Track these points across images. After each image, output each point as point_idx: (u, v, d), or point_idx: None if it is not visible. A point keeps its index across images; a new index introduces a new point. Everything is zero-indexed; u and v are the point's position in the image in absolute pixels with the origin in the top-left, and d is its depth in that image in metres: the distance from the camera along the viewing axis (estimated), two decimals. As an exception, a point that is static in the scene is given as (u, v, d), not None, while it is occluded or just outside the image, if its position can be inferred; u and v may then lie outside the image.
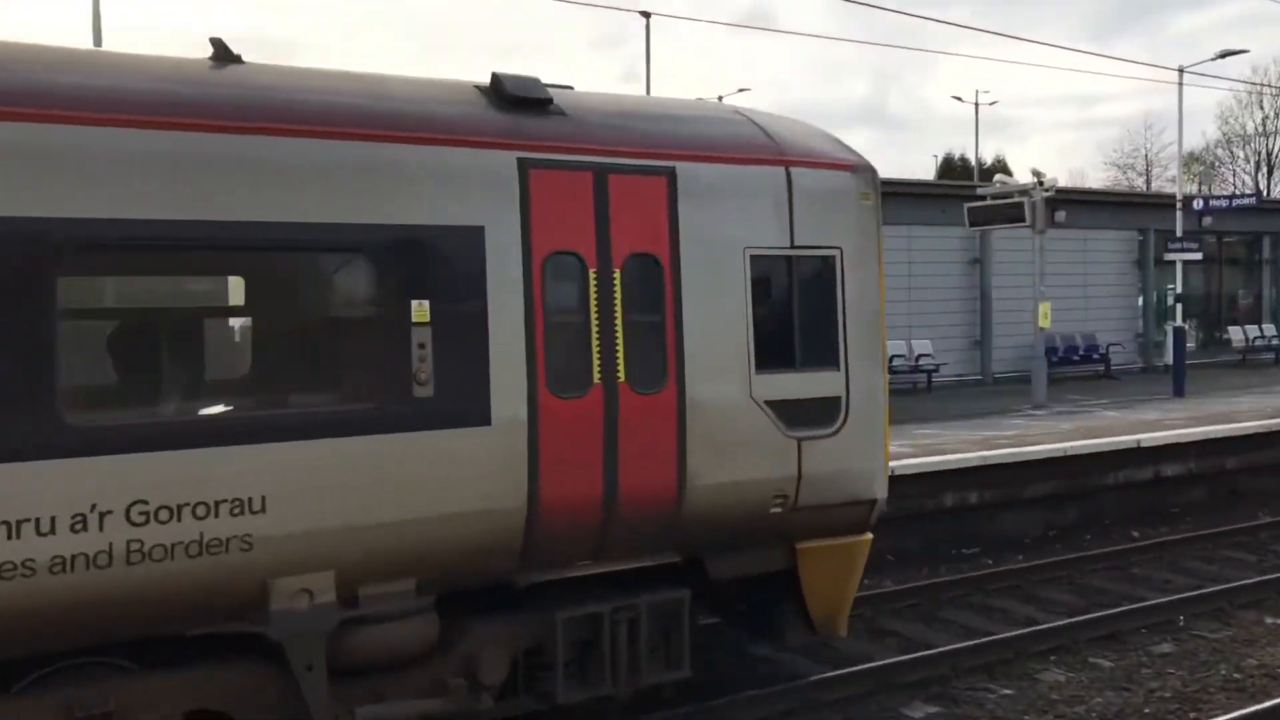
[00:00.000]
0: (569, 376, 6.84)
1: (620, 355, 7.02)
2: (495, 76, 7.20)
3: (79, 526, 5.46)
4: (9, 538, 5.27)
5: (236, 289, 6.61)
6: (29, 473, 5.33)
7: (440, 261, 6.48)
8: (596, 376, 6.93)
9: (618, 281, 7.04)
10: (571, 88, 8.01)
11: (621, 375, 7.01)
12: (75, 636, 5.70)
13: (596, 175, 7.01)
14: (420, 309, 6.39)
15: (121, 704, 5.87)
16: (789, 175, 7.76)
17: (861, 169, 8.16)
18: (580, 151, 7.00)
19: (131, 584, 5.61)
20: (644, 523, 7.15)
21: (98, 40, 24.48)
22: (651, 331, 7.16)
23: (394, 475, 6.27)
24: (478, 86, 7.24)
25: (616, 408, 6.97)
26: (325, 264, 6.48)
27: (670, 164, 7.30)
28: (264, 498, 5.90)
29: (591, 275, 6.95)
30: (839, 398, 7.89)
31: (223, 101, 6.00)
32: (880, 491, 8.16)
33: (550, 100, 7.18)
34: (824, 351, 7.86)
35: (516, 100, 7.07)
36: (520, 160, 6.75)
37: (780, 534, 7.82)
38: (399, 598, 6.44)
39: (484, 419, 6.53)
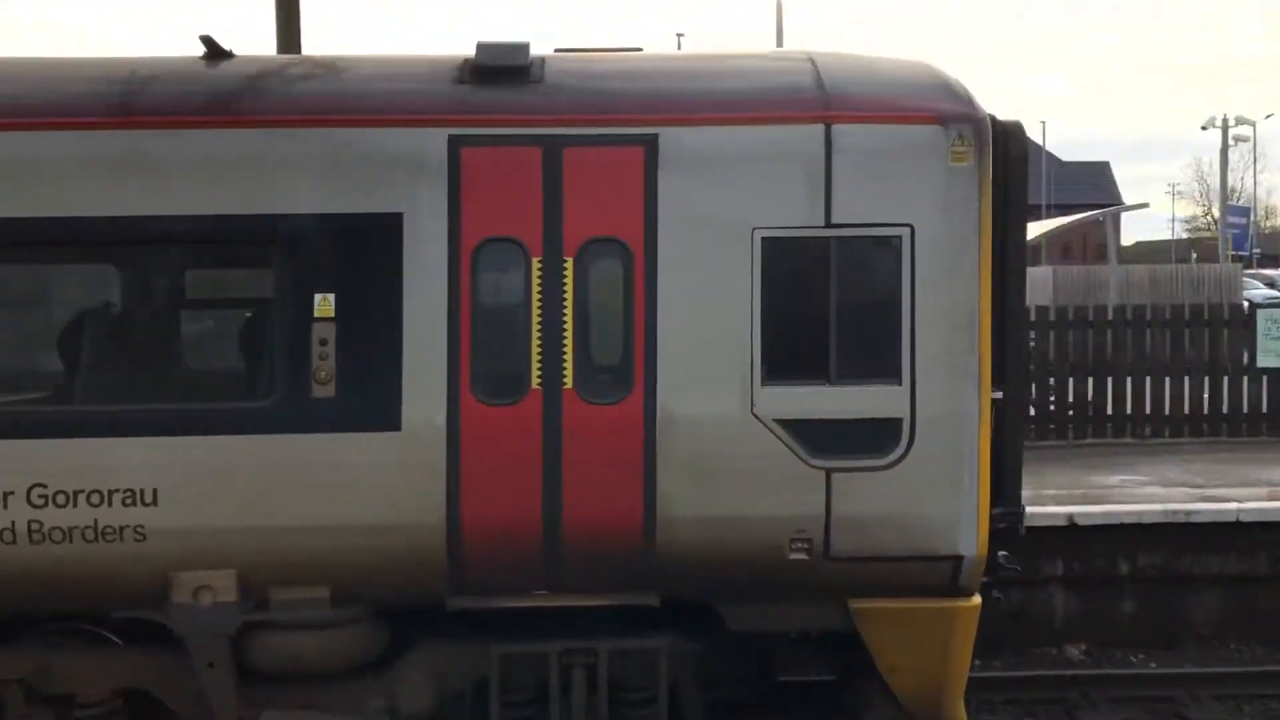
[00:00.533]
0: (500, 380, 6.01)
1: (568, 358, 6.01)
2: (478, 46, 6.48)
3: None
4: None
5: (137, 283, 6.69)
6: None
7: (348, 252, 6.01)
8: (535, 382, 6.00)
9: (569, 272, 6.03)
10: (640, 49, 7.03)
11: (568, 381, 6.00)
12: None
13: (547, 149, 6.04)
14: (324, 303, 5.99)
15: (60, 675, 6.27)
16: (829, 133, 6.08)
17: (955, 119, 6.14)
18: (529, 124, 6.08)
19: (35, 562, 5.95)
20: (602, 555, 6.08)
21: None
22: (612, 331, 6.05)
23: (291, 478, 5.97)
24: (466, 60, 6.58)
25: (560, 418, 5.99)
26: (223, 256, 6.33)
27: (651, 130, 6.06)
28: (155, 490, 5.93)
29: (535, 265, 6.02)
30: (899, 420, 6.07)
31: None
32: (967, 547, 6.16)
33: (520, 68, 6.30)
34: (876, 360, 6.09)
35: (482, 70, 6.31)
36: (451, 138, 6.02)
37: (817, 587, 6.23)
38: (312, 605, 6.12)
39: (393, 424, 5.96)
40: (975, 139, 6.14)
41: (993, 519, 6.67)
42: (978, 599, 6.42)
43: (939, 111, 6.16)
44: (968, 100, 6.26)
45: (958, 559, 6.16)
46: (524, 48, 6.44)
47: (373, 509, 5.97)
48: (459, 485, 5.96)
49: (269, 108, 6.08)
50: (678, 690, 6.55)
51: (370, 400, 5.96)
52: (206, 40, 6.64)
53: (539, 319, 6.01)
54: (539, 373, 5.99)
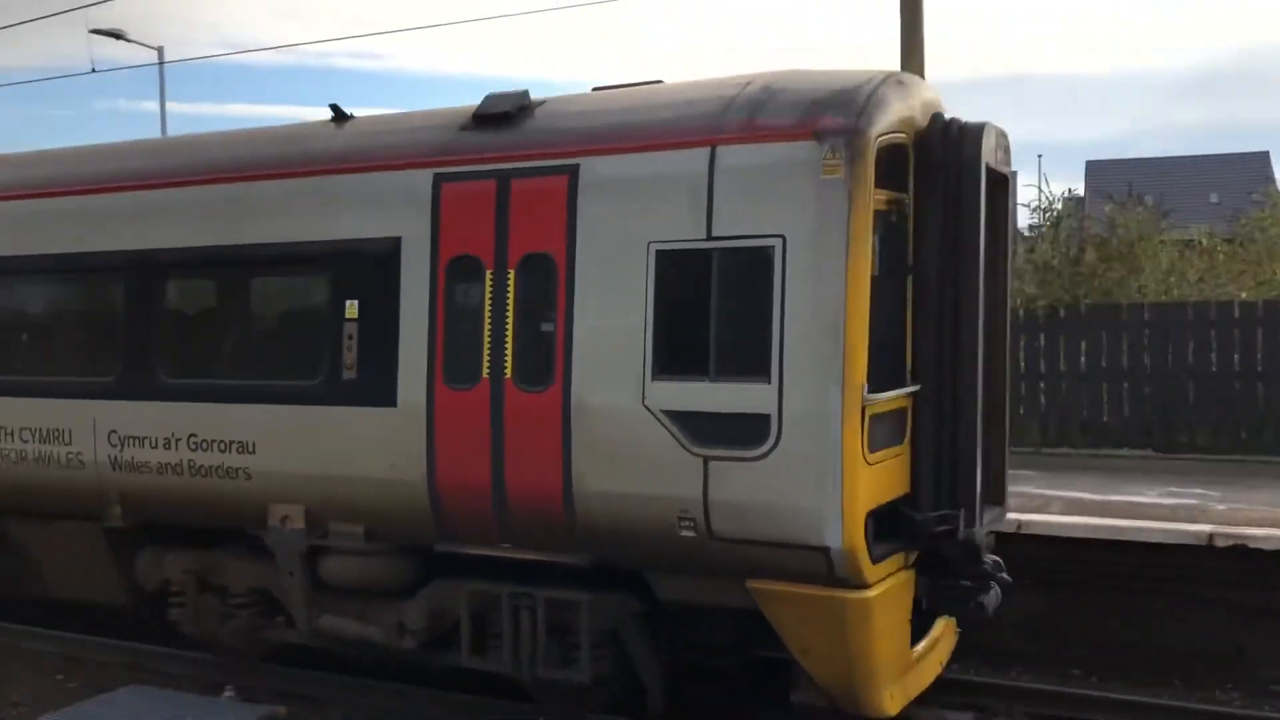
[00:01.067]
0: (462, 370, 7.46)
1: (509, 353, 7.31)
2: (484, 97, 7.95)
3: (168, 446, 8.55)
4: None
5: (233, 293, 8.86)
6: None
7: (366, 267, 7.81)
8: (485, 372, 7.38)
9: (511, 282, 7.32)
10: (659, 81, 8.09)
11: (508, 372, 7.30)
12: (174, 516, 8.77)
13: (500, 181, 7.38)
14: (351, 307, 7.86)
15: (219, 572, 8.79)
16: (713, 155, 6.76)
17: (830, 133, 6.49)
18: (487, 160, 7.46)
19: (193, 489, 8.50)
20: (535, 517, 7.30)
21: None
22: (541, 330, 7.23)
23: (329, 438, 7.92)
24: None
25: (502, 403, 7.32)
26: (288, 271, 8.36)
27: (573, 161, 7.17)
28: (254, 442, 8.20)
29: (488, 276, 7.40)
30: (768, 416, 6.60)
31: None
32: (833, 539, 6.48)
33: (505, 115, 7.67)
34: (749, 359, 6.66)
35: (478, 118, 7.78)
36: (435, 176, 7.60)
37: (712, 564, 6.91)
38: (353, 538, 8.03)
39: (392, 401, 7.68)
40: (848, 151, 6.46)
41: (926, 521, 6.90)
42: (874, 592, 6.67)
43: (814, 127, 6.56)
44: (853, 114, 6.56)
45: (825, 550, 6.52)
46: (517, 96, 7.81)
47: (380, 467, 7.73)
48: (434, 453, 7.52)
49: (320, 159, 8.10)
50: (627, 643, 7.54)
51: (377, 382, 7.72)
52: (333, 107, 8.80)
53: (489, 320, 7.38)
54: (488, 364, 7.36)
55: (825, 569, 6.60)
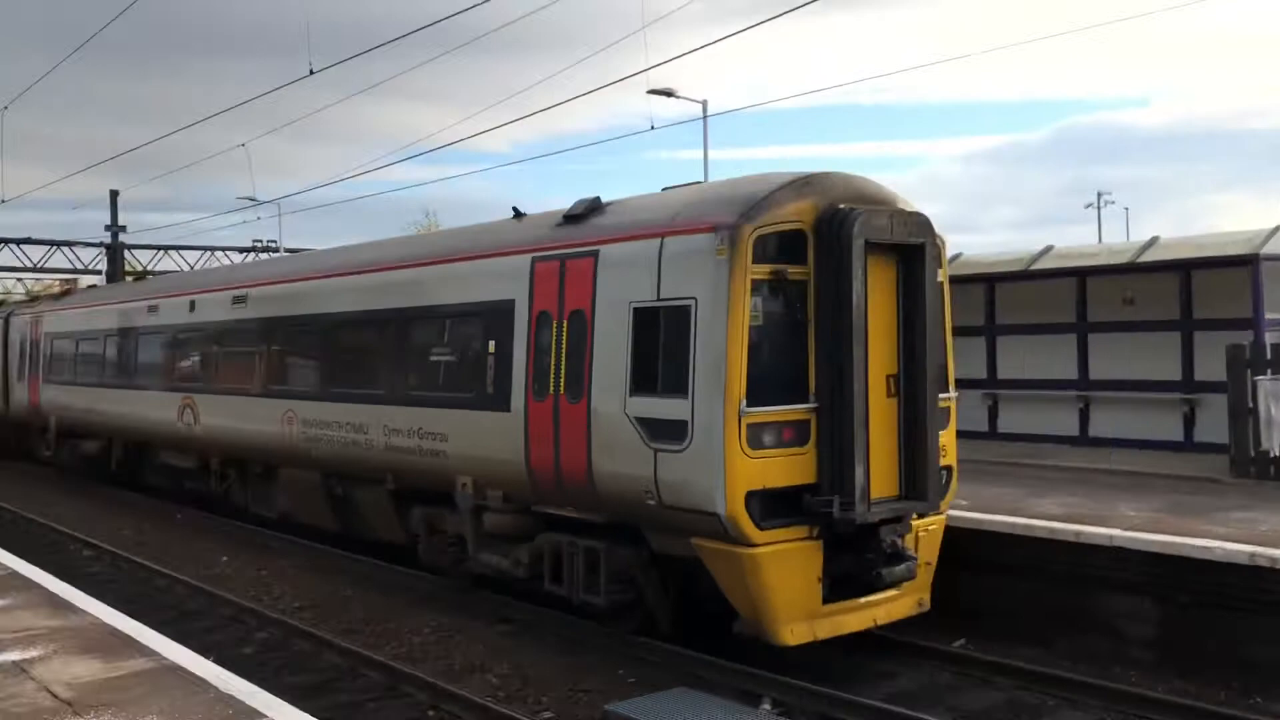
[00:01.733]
0: (541, 388, 11.15)
1: (563, 377, 10.87)
2: (574, 202, 11.59)
3: (409, 435, 13.10)
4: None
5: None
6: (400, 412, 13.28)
7: (498, 319, 11.75)
8: (550, 389, 11.01)
9: (565, 329, 10.89)
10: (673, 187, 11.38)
11: (562, 390, 10.87)
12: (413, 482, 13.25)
13: (561, 261, 11.01)
14: (491, 345, 11.86)
15: (445, 522, 13.15)
16: (662, 244, 9.94)
17: (723, 227, 9.41)
18: (557, 248, 11.11)
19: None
20: (574, 487, 10.76)
21: None
22: (579, 363, 10.72)
23: (479, 432, 11.95)
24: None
25: (559, 411, 10.90)
26: (464, 322, 12.40)
27: (596, 248, 10.61)
28: (446, 434, 12.47)
29: (553, 325, 11.03)
30: (686, 421, 9.62)
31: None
32: (720, 507, 9.34)
33: (578, 215, 11.28)
34: (676, 382, 9.72)
35: (566, 217, 11.45)
36: (532, 258, 11.39)
37: (669, 524, 9.98)
38: (497, 500, 11.98)
39: (508, 408, 11.54)
40: (730, 240, 9.36)
41: (810, 503, 9.56)
42: (761, 550, 9.39)
43: (714, 224, 9.53)
44: (737, 215, 9.47)
45: (717, 515, 9.38)
46: (591, 201, 11.42)
47: (504, 451, 11.61)
48: (528, 443, 11.27)
49: (479, 248, 12.22)
50: (645, 589, 10.72)
51: (502, 395, 11.63)
52: (515, 210, 12.92)
53: (554, 354, 10.99)
54: (552, 384, 10.99)
55: (721, 530, 9.46)
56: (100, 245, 46.31)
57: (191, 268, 44.58)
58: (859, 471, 9.49)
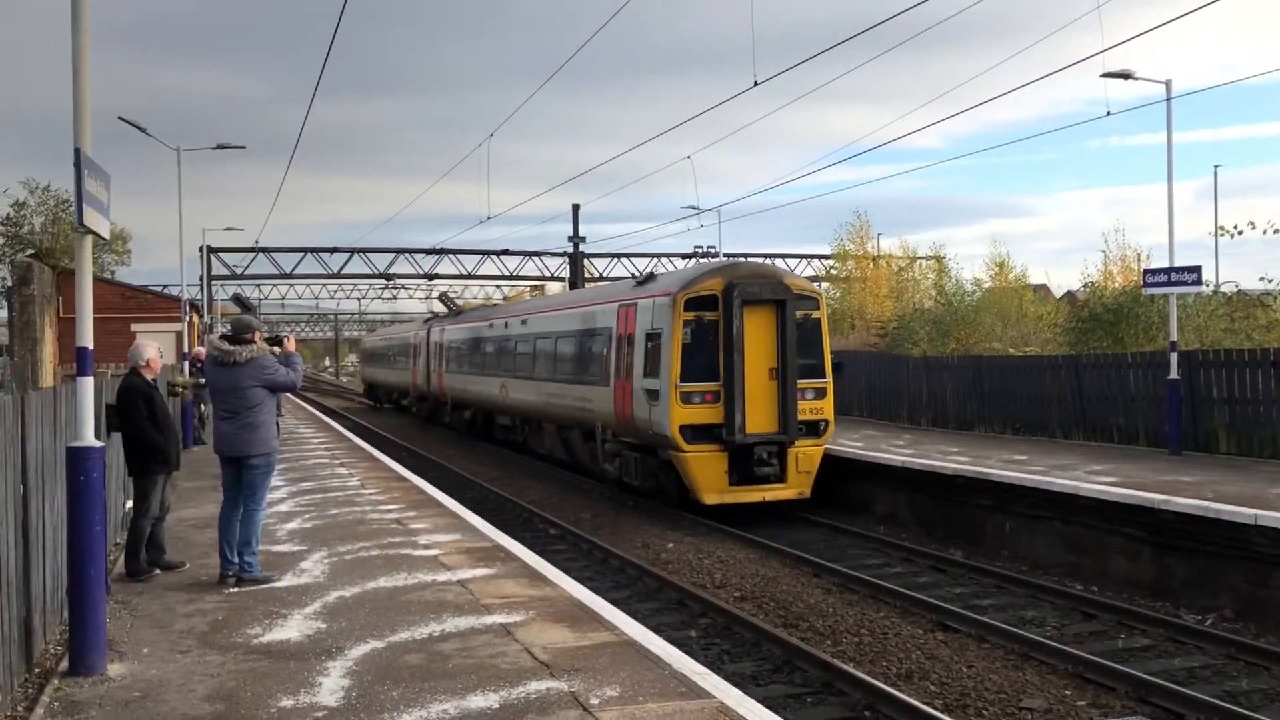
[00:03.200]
0: (617, 373, 21.18)
1: (623, 368, 20.83)
2: (645, 272, 21.54)
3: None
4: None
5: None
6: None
7: (605, 336, 21.92)
8: (621, 376, 21.00)
9: (626, 343, 20.85)
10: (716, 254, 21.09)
11: (623, 376, 20.83)
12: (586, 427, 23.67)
13: (624, 307, 21.03)
14: (603, 350, 22.08)
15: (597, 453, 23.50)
16: (654, 302, 19.69)
17: (675, 294, 19.01)
18: (627, 299, 21.15)
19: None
20: (629, 426, 20.68)
21: None
22: (627, 360, 20.64)
23: (600, 397, 22.18)
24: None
25: (622, 387, 20.87)
26: (590, 338, 22.56)
27: (635, 302, 20.55)
28: (591, 399, 22.83)
29: (623, 340, 21.01)
30: (659, 390, 19.29)
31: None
32: (670, 432, 18.91)
33: (641, 283, 21.24)
34: (657, 369, 19.42)
35: (638, 279, 21.47)
36: (619, 305, 21.49)
37: (660, 444, 19.64)
38: (609, 439, 22.14)
39: (609, 385, 21.67)
40: (672, 302, 18.96)
41: (715, 430, 19.04)
42: (689, 455, 18.88)
43: (670, 293, 19.17)
44: (678, 288, 19.03)
45: (668, 436, 18.99)
46: (648, 275, 21.37)
47: (608, 408, 21.76)
48: (616, 404, 21.35)
49: (601, 299, 22.51)
50: (663, 478, 20.43)
51: (606, 378, 21.82)
52: (634, 277, 23.01)
53: (620, 356, 21.00)
54: (622, 372, 21.00)
55: (673, 444, 19.07)
56: (563, 254, 49.72)
57: (637, 274, 50.20)
58: (738, 416, 18.69)
